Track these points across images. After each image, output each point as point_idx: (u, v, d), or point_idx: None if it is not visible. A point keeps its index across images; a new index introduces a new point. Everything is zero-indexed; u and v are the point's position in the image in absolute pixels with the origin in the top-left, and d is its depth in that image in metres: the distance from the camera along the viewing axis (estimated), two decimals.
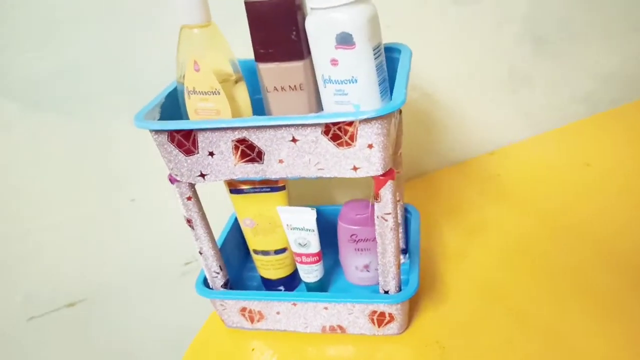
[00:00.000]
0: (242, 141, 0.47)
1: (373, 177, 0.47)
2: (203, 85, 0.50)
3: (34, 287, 0.71)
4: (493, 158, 0.86)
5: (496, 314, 0.58)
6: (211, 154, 0.48)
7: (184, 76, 0.51)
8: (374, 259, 0.62)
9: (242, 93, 0.52)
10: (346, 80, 0.48)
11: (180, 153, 0.48)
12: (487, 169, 0.83)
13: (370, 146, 0.44)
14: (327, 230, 0.64)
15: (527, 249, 0.66)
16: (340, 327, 0.58)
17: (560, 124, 0.90)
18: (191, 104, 0.51)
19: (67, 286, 0.73)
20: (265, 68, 0.50)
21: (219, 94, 0.49)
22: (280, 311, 0.58)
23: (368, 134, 0.44)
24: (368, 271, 0.63)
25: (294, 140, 0.45)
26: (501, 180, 0.80)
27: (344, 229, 0.61)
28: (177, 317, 0.76)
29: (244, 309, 0.59)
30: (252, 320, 0.60)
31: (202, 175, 0.50)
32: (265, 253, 0.62)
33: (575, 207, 0.72)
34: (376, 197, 0.48)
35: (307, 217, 0.57)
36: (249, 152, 0.47)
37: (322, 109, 0.52)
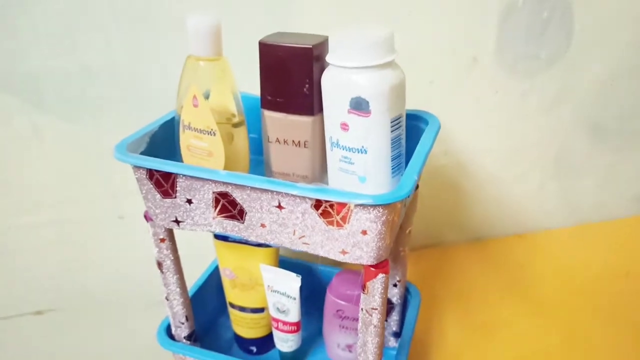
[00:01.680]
0: (223, 195, 0.41)
1: (363, 266, 0.41)
2: (199, 123, 0.45)
3: (3, 286, 0.68)
4: (519, 242, 0.78)
5: None
6: (189, 201, 0.43)
7: (182, 107, 0.46)
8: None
9: (241, 138, 0.46)
10: (355, 149, 0.42)
11: (157, 193, 0.43)
12: (509, 256, 0.75)
13: (364, 232, 0.38)
14: (317, 292, 0.58)
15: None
16: None
17: (603, 218, 0.81)
18: (185, 138, 0.46)
19: (38, 293, 0.69)
20: (270, 116, 0.45)
21: (215, 135, 0.44)
22: None
23: (363, 220, 0.37)
24: (350, 352, 0.56)
25: (279, 207, 0.40)
26: (524, 274, 0.72)
27: (331, 302, 0.54)
28: (150, 342, 0.71)
29: None
30: None
31: (177, 222, 0.44)
32: (241, 309, 0.56)
33: (605, 323, 0.63)
34: (363, 288, 0.41)
35: (291, 284, 0.51)
36: (230, 208, 0.42)
37: (326, 173, 0.46)
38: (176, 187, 0.42)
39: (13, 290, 0.68)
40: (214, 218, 0.43)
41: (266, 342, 0.58)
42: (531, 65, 0.67)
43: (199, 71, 0.44)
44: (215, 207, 0.42)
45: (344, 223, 0.38)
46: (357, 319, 0.53)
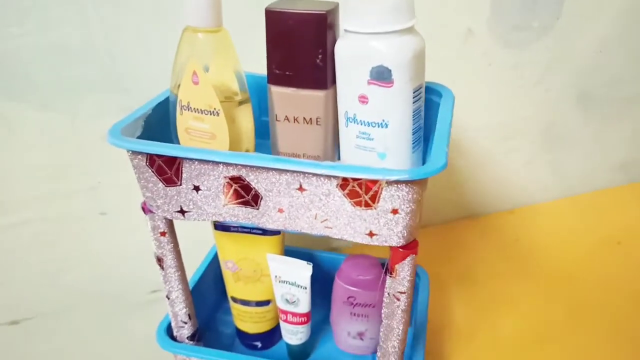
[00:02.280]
0: (236, 179, 0.38)
1: (391, 248, 0.38)
2: (200, 102, 0.41)
3: None
4: (513, 217, 0.77)
5: None
6: (196, 188, 0.39)
7: (179, 86, 0.42)
8: (371, 327, 0.52)
9: (245, 117, 0.43)
10: (375, 123, 0.39)
11: (159, 181, 0.39)
12: (505, 231, 0.74)
13: (394, 211, 0.35)
14: (321, 280, 0.55)
15: (538, 337, 0.57)
16: None
17: (591, 188, 0.82)
18: (182, 120, 0.42)
19: (12, 300, 0.63)
20: (278, 92, 0.41)
21: (218, 115, 0.40)
22: None
23: (394, 197, 0.35)
24: (362, 339, 0.53)
25: (300, 188, 0.36)
26: (521, 247, 0.71)
27: (340, 288, 0.52)
28: (132, 353, 0.66)
29: None
30: None
31: (182, 212, 0.40)
32: (244, 303, 0.53)
33: (604, 291, 0.63)
34: (391, 271, 0.39)
35: (301, 273, 0.48)
36: (244, 193, 0.38)
37: (339, 152, 0.43)
38: (182, 173, 0.38)
39: None
40: (224, 205, 0.39)
41: (271, 336, 0.55)
42: (524, 35, 0.66)
43: (197, 44, 0.40)
44: (227, 193, 0.38)
45: (373, 202, 0.35)
46: (369, 305, 0.51)
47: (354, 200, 0.36)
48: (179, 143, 0.44)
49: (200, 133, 0.42)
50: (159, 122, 0.44)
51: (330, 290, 0.53)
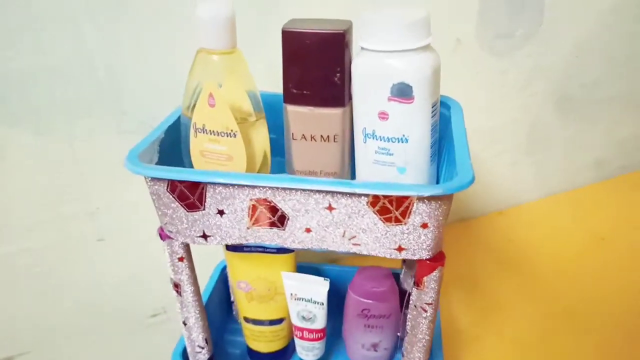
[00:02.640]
0: (262, 201, 0.37)
1: (418, 261, 0.38)
2: (216, 124, 0.40)
3: None
4: (502, 219, 0.80)
5: None
6: (221, 212, 0.38)
7: (192, 108, 0.41)
8: (385, 338, 0.53)
9: (261, 135, 0.43)
10: (395, 139, 0.39)
11: (180, 207, 0.38)
12: (496, 232, 0.76)
13: (424, 226, 0.36)
14: (329, 293, 0.55)
15: (539, 336, 0.59)
16: None
17: (571, 186, 0.85)
18: (197, 143, 0.42)
19: (6, 334, 0.60)
20: (295, 111, 0.41)
21: (235, 136, 0.40)
22: None
23: (425, 212, 0.35)
24: (376, 350, 0.54)
25: (330, 208, 0.36)
26: (514, 248, 0.74)
27: (354, 302, 0.52)
28: None
29: None
30: None
31: (205, 237, 0.40)
32: (258, 322, 0.52)
33: (599, 286, 0.66)
34: (418, 283, 0.39)
35: (318, 289, 0.48)
36: (270, 215, 0.38)
37: (353, 167, 0.43)
38: (205, 198, 0.38)
39: None
40: (248, 228, 0.39)
41: (284, 354, 0.55)
42: (509, 43, 0.68)
43: (211, 66, 0.40)
44: (252, 215, 0.38)
45: (404, 218, 0.36)
46: (383, 316, 0.51)
47: (384, 216, 0.36)
48: (191, 165, 0.43)
49: (216, 155, 0.42)
50: (170, 144, 0.43)
51: (338, 302, 0.53)
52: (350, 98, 0.41)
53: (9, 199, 0.53)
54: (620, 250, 0.72)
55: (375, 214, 0.36)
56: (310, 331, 0.50)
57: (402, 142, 0.39)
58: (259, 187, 0.36)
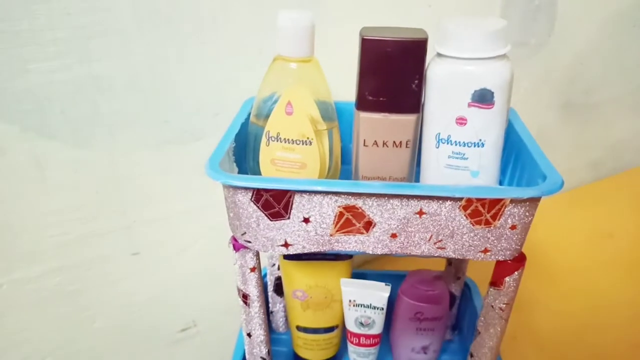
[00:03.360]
0: (350, 208, 0.37)
1: (498, 262, 0.39)
2: (292, 132, 0.40)
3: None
4: None
5: None
6: (306, 220, 0.38)
7: (263, 117, 0.41)
8: (435, 340, 0.54)
9: (335, 144, 0.43)
10: (471, 143, 0.40)
11: (264, 216, 0.38)
12: None
13: (513, 227, 0.37)
14: None
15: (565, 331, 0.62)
16: None
17: (570, 186, 0.89)
18: (268, 152, 0.41)
19: (36, 356, 0.57)
20: (368, 118, 0.41)
21: (311, 144, 0.40)
22: None
23: (515, 214, 0.36)
24: (425, 353, 0.54)
25: (420, 212, 0.37)
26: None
27: (407, 305, 0.52)
28: None
29: None
30: None
31: (286, 245, 0.39)
32: (312, 331, 0.52)
33: (610, 278, 0.69)
34: (498, 284, 0.40)
35: (379, 294, 0.48)
36: (356, 222, 0.38)
37: (418, 171, 0.44)
38: (291, 206, 0.37)
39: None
40: (331, 235, 0.39)
41: None
42: (523, 51, 0.70)
43: (289, 74, 0.40)
44: (337, 223, 0.38)
45: (494, 220, 0.37)
46: (436, 319, 0.52)
47: (475, 219, 0.37)
48: (257, 173, 0.43)
49: (289, 163, 0.41)
50: (236, 153, 0.42)
51: None
52: (422, 103, 0.41)
53: (44, 215, 0.51)
54: (629, 247, 0.76)
55: (467, 217, 0.37)
56: (367, 337, 0.50)
57: (479, 146, 0.40)
58: (346, 194, 0.36)
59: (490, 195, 0.35)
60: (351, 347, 0.52)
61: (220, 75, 0.54)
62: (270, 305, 0.58)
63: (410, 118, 0.41)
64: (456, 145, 0.41)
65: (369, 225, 0.38)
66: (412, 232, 0.38)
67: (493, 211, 0.36)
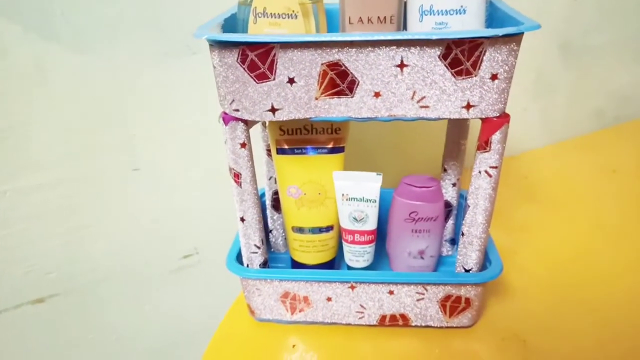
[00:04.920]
0: (334, 66, 0.38)
1: (483, 121, 0.40)
2: (277, 6, 0.41)
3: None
4: (515, 162, 0.82)
5: (578, 311, 0.51)
6: (291, 80, 0.39)
7: None
8: (432, 243, 0.53)
9: (320, 20, 0.44)
10: (452, 11, 0.41)
11: (250, 79, 0.39)
12: (511, 171, 0.79)
13: (494, 77, 0.38)
14: None
15: (575, 249, 0.61)
16: (404, 317, 0.49)
17: (577, 134, 0.88)
18: (256, 29, 0.43)
19: (37, 275, 0.58)
20: None
21: (296, 17, 0.41)
22: (333, 297, 0.48)
23: (495, 61, 0.37)
24: (422, 258, 0.54)
25: (401, 65, 0.38)
26: (531, 181, 0.76)
27: (401, 205, 0.52)
28: (169, 316, 0.63)
29: (285, 295, 0.49)
30: (292, 310, 0.49)
31: (273, 110, 0.40)
32: (308, 230, 0.52)
33: (612, 211, 0.69)
34: (484, 145, 0.41)
35: (371, 185, 0.48)
36: (339, 81, 0.39)
37: None
38: (276, 65, 0.38)
39: (11, 274, 0.56)
40: (316, 98, 0.40)
41: (331, 268, 0.55)
42: None
43: None
44: (321, 83, 0.39)
45: (474, 70, 0.37)
46: (431, 219, 0.52)
47: (455, 69, 0.37)
48: None
49: None
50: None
51: (381, 223, 0.54)
52: None
53: (48, 124, 0.53)
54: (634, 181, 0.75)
55: (447, 67, 0.37)
56: (362, 233, 0.51)
57: (460, 13, 0.41)
58: (331, 45, 0.37)
59: (467, 36, 0.36)
60: (346, 247, 0.52)
61: None
62: (269, 223, 0.59)
63: None
64: (438, 14, 0.42)
65: (352, 84, 0.39)
66: (394, 89, 0.39)
67: (473, 58, 0.37)
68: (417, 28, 0.43)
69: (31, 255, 0.57)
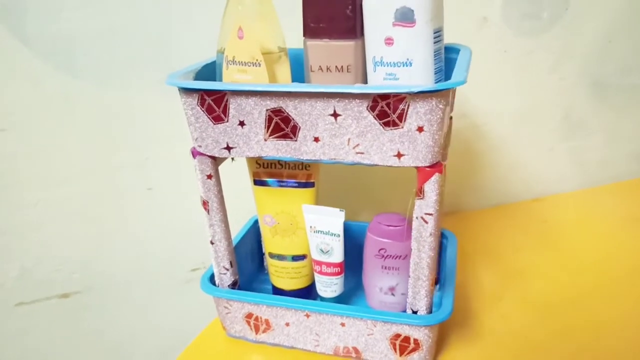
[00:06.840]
0: (277, 112, 0.42)
1: (417, 169, 0.42)
2: (244, 55, 0.46)
3: (30, 266, 0.66)
4: (538, 205, 0.80)
5: None
6: (242, 123, 0.44)
7: (227, 43, 0.47)
8: (402, 281, 0.55)
9: (284, 70, 0.48)
10: (400, 63, 0.43)
11: (208, 120, 0.44)
12: (531, 215, 0.77)
13: (420, 129, 0.39)
14: (352, 249, 0.58)
15: (568, 300, 0.59)
16: (356, 350, 0.51)
17: (615, 179, 0.84)
18: (228, 75, 0.48)
19: (64, 274, 0.67)
20: (313, 45, 0.46)
21: (260, 66, 0.46)
22: (291, 322, 0.51)
23: (420, 114, 0.39)
24: (393, 295, 0.56)
25: (335, 114, 0.41)
26: (549, 228, 0.73)
27: (372, 242, 0.55)
28: (174, 322, 0.69)
29: (249, 315, 0.53)
30: (256, 330, 0.53)
31: (228, 148, 0.45)
32: (281, 257, 0.56)
33: (623, 261, 0.65)
34: (418, 192, 0.42)
35: (334, 220, 0.51)
36: (283, 125, 0.43)
37: None
38: (229, 110, 0.43)
39: (39, 269, 0.66)
40: (265, 140, 0.44)
41: (307, 294, 0.58)
42: (535, 24, 0.71)
43: (243, 3, 0.46)
44: (268, 127, 0.43)
45: (400, 121, 0.40)
46: (399, 257, 0.54)
47: (383, 120, 0.40)
48: None
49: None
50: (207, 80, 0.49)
51: (360, 259, 0.56)
52: (362, 32, 0.45)
53: (72, 146, 0.62)
54: None
55: (375, 118, 0.40)
56: (329, 265, 0.53)
57: (407, 65, 0.43)
58: (274, 94, 0.41)
59: (384, 91, 0.38)
60: (316, 277, 0.55)
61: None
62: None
63: (349, 43, 0.45)
64: (388, 66, 0.44)
65: (295, 129, 0.43)
66: (331, 135, 0.42)
67: (398, 111, 0.39)
68: (372, 77, 0.46)
69: (60, 256, 0.66)
